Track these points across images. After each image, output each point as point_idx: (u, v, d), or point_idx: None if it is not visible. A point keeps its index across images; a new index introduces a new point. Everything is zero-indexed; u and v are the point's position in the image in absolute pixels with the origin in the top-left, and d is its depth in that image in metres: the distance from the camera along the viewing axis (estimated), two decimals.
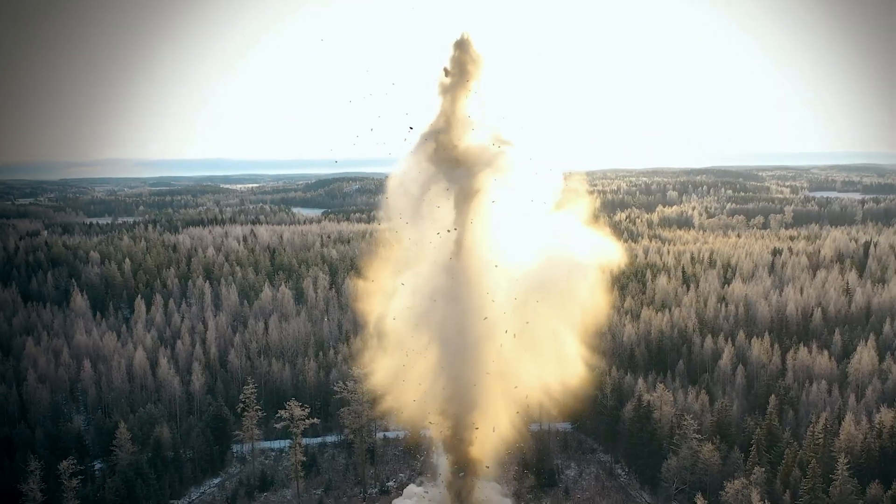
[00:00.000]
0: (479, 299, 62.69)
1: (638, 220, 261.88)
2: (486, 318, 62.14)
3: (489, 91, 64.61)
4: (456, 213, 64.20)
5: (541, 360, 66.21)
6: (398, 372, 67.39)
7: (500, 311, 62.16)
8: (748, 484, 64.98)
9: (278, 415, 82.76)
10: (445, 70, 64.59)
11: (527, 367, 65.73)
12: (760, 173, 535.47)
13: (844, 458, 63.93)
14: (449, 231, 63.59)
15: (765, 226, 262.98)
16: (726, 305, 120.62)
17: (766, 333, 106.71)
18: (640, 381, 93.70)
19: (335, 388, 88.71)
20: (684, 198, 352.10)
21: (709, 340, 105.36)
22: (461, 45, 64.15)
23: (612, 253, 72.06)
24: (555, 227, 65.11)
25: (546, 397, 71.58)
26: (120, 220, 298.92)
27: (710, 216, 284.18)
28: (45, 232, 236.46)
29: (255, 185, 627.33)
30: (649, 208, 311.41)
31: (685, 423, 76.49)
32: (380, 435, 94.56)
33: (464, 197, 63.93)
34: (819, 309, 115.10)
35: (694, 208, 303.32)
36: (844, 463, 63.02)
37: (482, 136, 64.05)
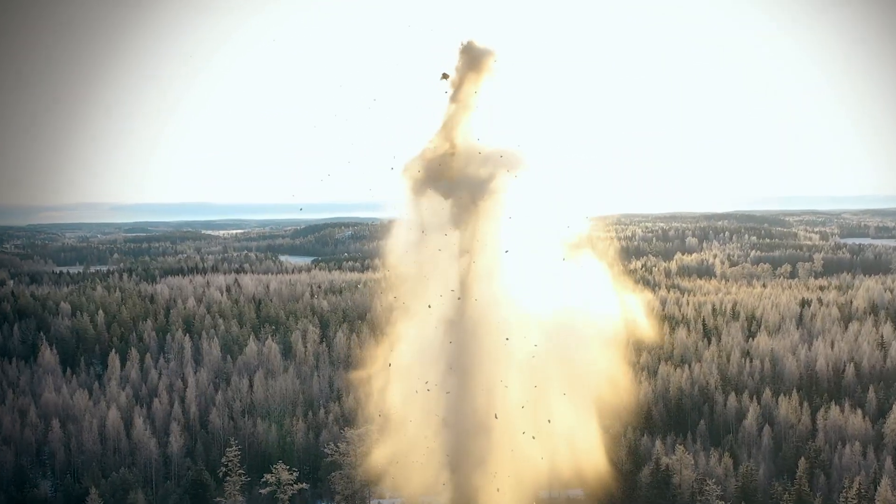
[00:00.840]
0: (489, 386, 57.53)
1: (655, 269, 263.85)
2: (496, 416, 57.48)
3: (501, 106, 59.64)
4: (460, 235, 58.63)
5: (557, 457, 61.55)
6: (398, 459, 63.78)
7: (517, 403, 56.88)
8: None
9: (264, 479, 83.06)
10: (445, 75, 59.40)
11: (542, 467, 61.01)
12: (787, 218, 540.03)
13: None
14: (452, 291, 58.28)
15: (792, 275, 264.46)
16: (751, 361, 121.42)
17: (795, 391, 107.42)
18: (658, 443, 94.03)
19: (326, 450, 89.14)
20: (705, 245, 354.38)
21: (732, 398, 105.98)
22: (470, 52, 58.95)
23: (642, 327, 70.18)
24: (575, 285, 60.15)
25: (557, 478, 69.01)
26: (92, 269, 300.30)
27: (732, 264, 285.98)
28: (12, 282, 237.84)
29: (239, 230, 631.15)
30: (667, 256, 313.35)
31: (707, 488, 76.87)
32: (374, 502, 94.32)
33: (470, 201, 58.22)
34: (852, 364, 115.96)
35: (715, 256, 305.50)
36: None
37: (491, 153, 58.79)
